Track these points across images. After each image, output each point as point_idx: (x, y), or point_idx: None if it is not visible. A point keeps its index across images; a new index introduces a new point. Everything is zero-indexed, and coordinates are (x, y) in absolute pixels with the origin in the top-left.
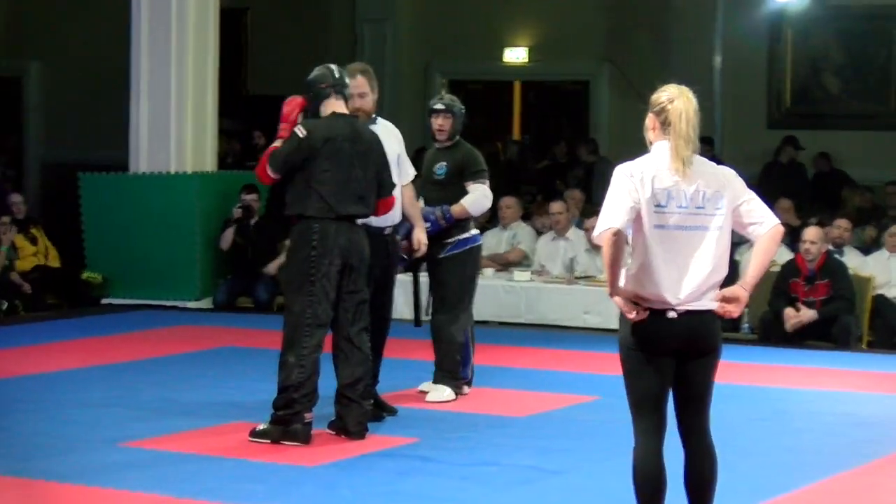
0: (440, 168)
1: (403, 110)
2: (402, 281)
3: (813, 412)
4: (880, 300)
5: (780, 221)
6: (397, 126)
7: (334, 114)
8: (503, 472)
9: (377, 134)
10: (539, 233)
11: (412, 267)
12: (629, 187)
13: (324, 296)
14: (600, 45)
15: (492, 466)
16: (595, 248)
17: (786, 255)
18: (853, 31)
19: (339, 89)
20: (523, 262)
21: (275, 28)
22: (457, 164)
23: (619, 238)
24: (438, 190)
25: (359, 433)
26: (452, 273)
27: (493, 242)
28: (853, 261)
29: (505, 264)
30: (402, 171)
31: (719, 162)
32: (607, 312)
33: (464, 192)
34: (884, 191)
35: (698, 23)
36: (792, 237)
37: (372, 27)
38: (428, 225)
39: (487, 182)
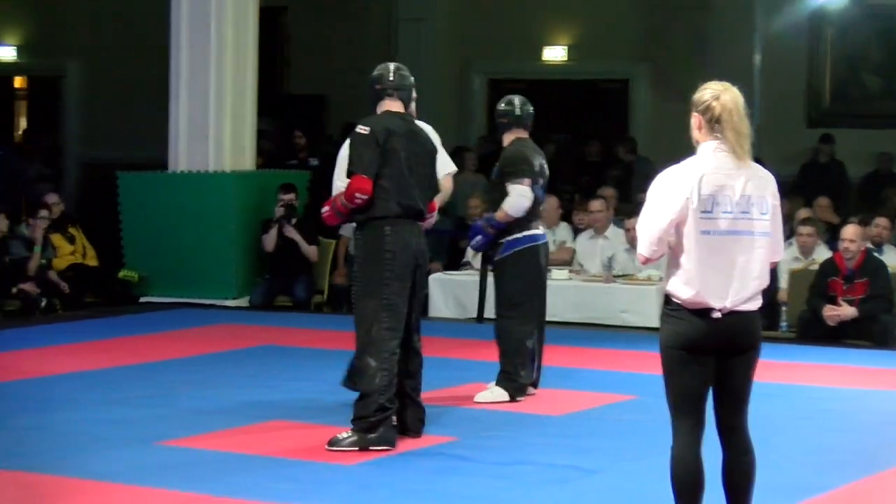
0: (494, 170)
1: (441, 110)
2: (442, 280)
3: (852, 411)
4: None
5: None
6: (435, 127)
7: (388, 112)
8: (539, 471)
9: (429, 131)
10: (577, 231)
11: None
12: (670, 201)
13: (398, 297)
14: (639, 44)
15: (528, 465)
16: (634, 246)
17: (825, 254)
18: (893, 30)
19: (394, 90)
20: (571, 261)
21: (313, 27)
22: (500, 166)
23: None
24: (490, 191)
25: (417, 431)
26: (508, 274)
27: None
28: (893, 259)
29: (557, 264)
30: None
31: (760, 162)
32: (646, 311)
33: (505, 194)
34: None
35: (737, 21)
36: (831, 235)
37: (410, 26)
38: (479, 238)
39: (525, 181)
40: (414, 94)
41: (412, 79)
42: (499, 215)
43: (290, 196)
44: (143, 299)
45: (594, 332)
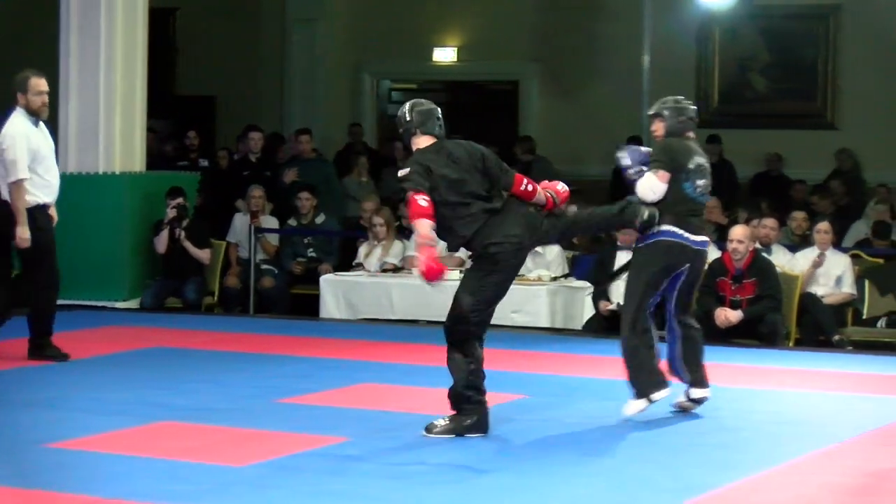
0: None
1: (333, 111)
2: (333, 281)
3: (740, 410)
4: (808, 298)
5: None
6: (328, 128)
7: (418, 150)
8: (432, 471)
9: (469, 144)
10: None
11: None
12: None
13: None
14: (529, 45)
15: (421, 465)
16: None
17: (714, 254)
18: (780, 31)
19: (417, 128)
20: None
21: (204, 28)
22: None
23: None
24: None
25: None
26: (631, 273)
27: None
28: (781, 258)
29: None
30: None
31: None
32: (536, 311)
33: None
34: (810, 192)
35: (627, 23)
36: (720, 236)
37: (302, 28)
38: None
39: (661, 171)
40: (441, 121)
41: (435, 107)
42: None
43: (179, 200)
44: None
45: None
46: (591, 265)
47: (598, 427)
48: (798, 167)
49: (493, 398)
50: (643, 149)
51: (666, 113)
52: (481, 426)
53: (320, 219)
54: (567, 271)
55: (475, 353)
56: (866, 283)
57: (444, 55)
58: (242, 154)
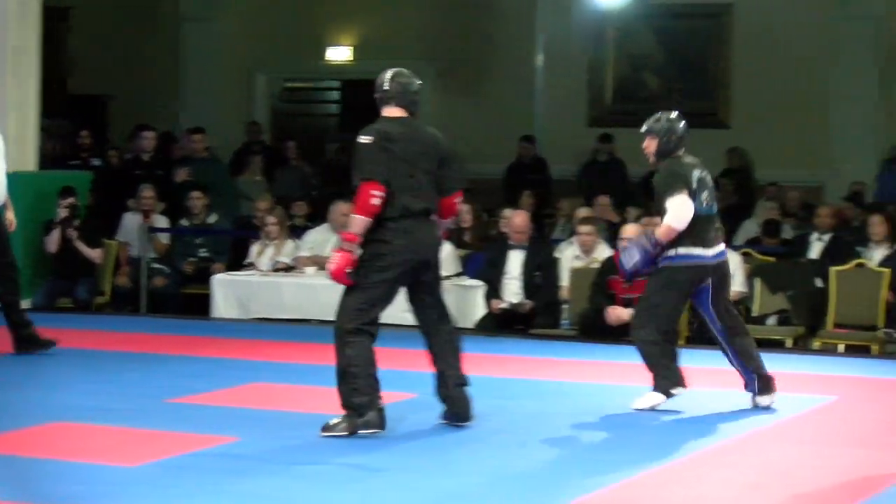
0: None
1: (227, 110)
2: (224, 281)
3: (630, 408)
4: None
5: None
6: (221, 128)
7: (386, 117)
8: (327, 471)
9: (440, 136)
10: None
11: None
12: None
13: (387, 290)
14: (424, 43)
15: (315, 465)
16: None
17: (606, 252)
18: (673, 30)
19: (391, 99)
20: None
21: (98, 27)
22: (656, 187)
23: None
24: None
25: (466, 416)
26: (653, 286)
27: (319, 241)
28: None
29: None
30: None
31: (542, 162)
32: None
33: None
34: None
35: (521, 23)
36: (612, 234)
37: (195, 27)
38: (637, 258)
39: (683, 191)
40: (417, 98)
41: (415, 83)
42: (660, 232)
43: (71, 199)
44: None
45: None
46: (482, 264)
47: (487, 426)
48: None
49: (385, 397)
50: (644, 243)
51: (658, 130)
52: (377, 424)
53: (212, 218)
54: (459, 270)
55: (366, 352)
56: (757, 280)
57: (339, 54)
58: (135, 153)
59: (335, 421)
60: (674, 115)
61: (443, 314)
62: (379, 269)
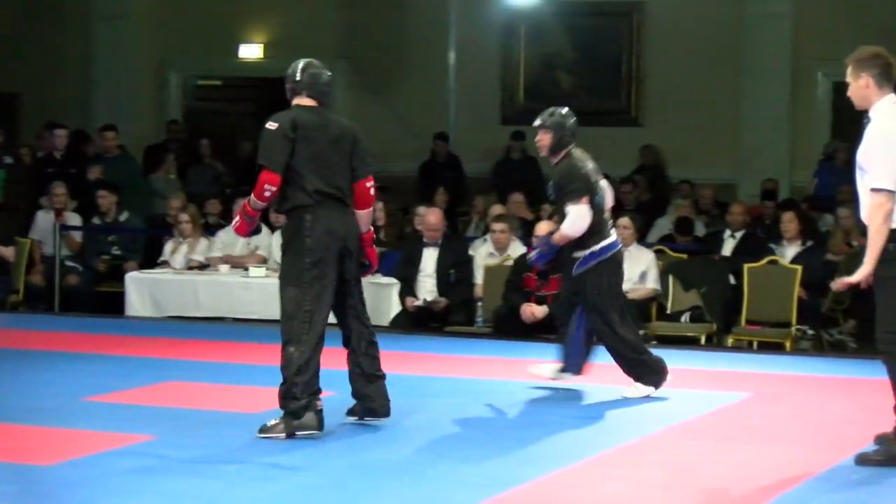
0: (549, 188)
1: (139, 108)
2: (138, 279)
3: (547, 406)
4: None
5: None
6: (133, 126)
7: (297, 106)
8: (242, 470)
9: (350, 124)
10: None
11: None
12: None
13: (319, 283)
14: (336, 41)
15: (231, 464)
16: None
17: (520, 250)
18: (585, 28)
19: (304, 90)
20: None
21: (8, 25)
22: (557, 184)
23: None
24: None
25: (385, 411)
26: (588, 286)
27: (231, 240)
28: None
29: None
30: None
31: (456, 160)
32: None
33: None
34: (619, 187)
35: (433, 20)
36: (525, 231)
37: (107, 25)
38: (534, 255)
39: (584, 198)
40: (328, 90)
41: (326, 74)
42: (556, 238)
43: None
44: None
45: None
46: (397, 261)
47: (403, 424)
48: (603, 164)
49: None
50: (544, 238)
51: (551, 125)
52: (314, 425)
53: (124, 216)
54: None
55: (308, 351)
56: (670, 278)
57: (250, 51)
58: (47, 151)
59: (273, 422)
60: (565, 110)
61: (360, 310)
62: (309, 265)
